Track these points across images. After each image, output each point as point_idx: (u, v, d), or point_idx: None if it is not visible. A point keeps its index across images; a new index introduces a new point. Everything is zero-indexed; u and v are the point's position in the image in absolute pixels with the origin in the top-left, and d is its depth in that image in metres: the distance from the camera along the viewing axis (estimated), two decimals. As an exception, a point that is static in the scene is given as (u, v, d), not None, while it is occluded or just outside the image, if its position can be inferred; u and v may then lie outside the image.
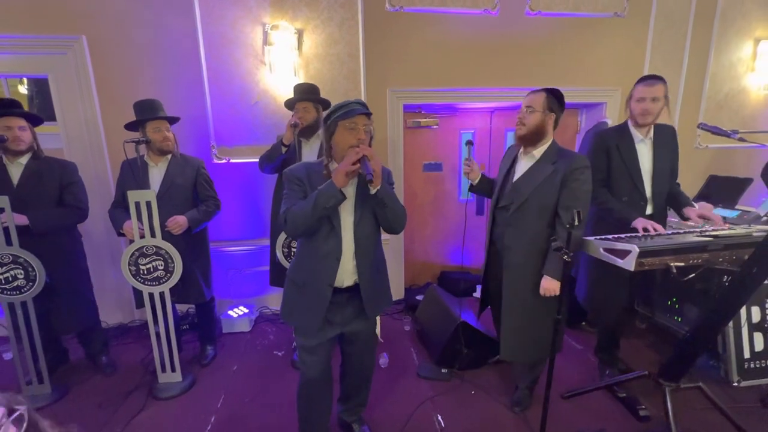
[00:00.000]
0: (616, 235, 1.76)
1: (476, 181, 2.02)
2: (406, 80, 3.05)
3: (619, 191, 2.03)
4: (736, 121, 3.47)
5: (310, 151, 2.35)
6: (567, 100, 1.79)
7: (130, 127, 2.18)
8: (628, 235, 1.79)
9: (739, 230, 1.76)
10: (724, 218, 2.25)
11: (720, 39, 3.29)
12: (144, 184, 2.14)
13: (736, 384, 2.13)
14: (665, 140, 2.03)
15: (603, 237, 1.73)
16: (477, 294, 3.39)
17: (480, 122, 3.48)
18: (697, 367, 2.22)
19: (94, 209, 2.46)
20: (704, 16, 3.24)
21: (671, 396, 1.78)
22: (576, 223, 1.35)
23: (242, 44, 2.76)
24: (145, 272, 2.09)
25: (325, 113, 1.47)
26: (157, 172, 2.22)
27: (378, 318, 1.65)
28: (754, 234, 1.61)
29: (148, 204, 2.00)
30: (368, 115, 1.41)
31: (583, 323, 2.81)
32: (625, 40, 3.20)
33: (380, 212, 1.45)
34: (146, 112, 2.16)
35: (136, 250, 2.06)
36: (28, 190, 2.05)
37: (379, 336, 1.62)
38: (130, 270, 2.08)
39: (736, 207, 2.55)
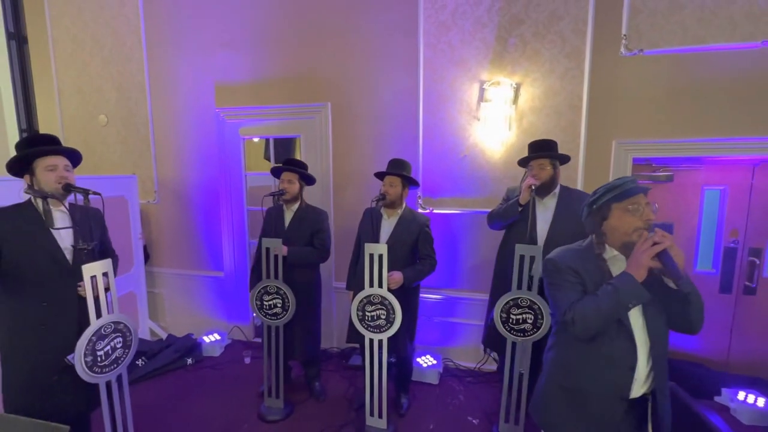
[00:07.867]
0: None
1: None
2: (636, 130, 2.63)
3: None
4: None
5: (544, 209, 2.21)
6: None
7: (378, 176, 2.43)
8: None
9: None
10: None
11: None
12: (377, 236, 2.34)
13: None
14: None
15: None
16: (721, 399, 2.58)
17: (736, 177, 2.74)
18: None
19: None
20: None
21: None
22: None
23: (457, 101, 2.86)
24: (370, 319, 2.24)
25: (591, 197, 1.30)
26: (387, 225, 2.41)
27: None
28: None
29: (381, 257, 2.17)
30: (646, 191, 1.23)
31: None
32: None
33: (680, 309, 1.21)
34: (391, 167, 2.40)
35: (365, 297, 2.24)
36: (293, 232, 2.50)
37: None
38: (357, 315, 2.27)
39: None
